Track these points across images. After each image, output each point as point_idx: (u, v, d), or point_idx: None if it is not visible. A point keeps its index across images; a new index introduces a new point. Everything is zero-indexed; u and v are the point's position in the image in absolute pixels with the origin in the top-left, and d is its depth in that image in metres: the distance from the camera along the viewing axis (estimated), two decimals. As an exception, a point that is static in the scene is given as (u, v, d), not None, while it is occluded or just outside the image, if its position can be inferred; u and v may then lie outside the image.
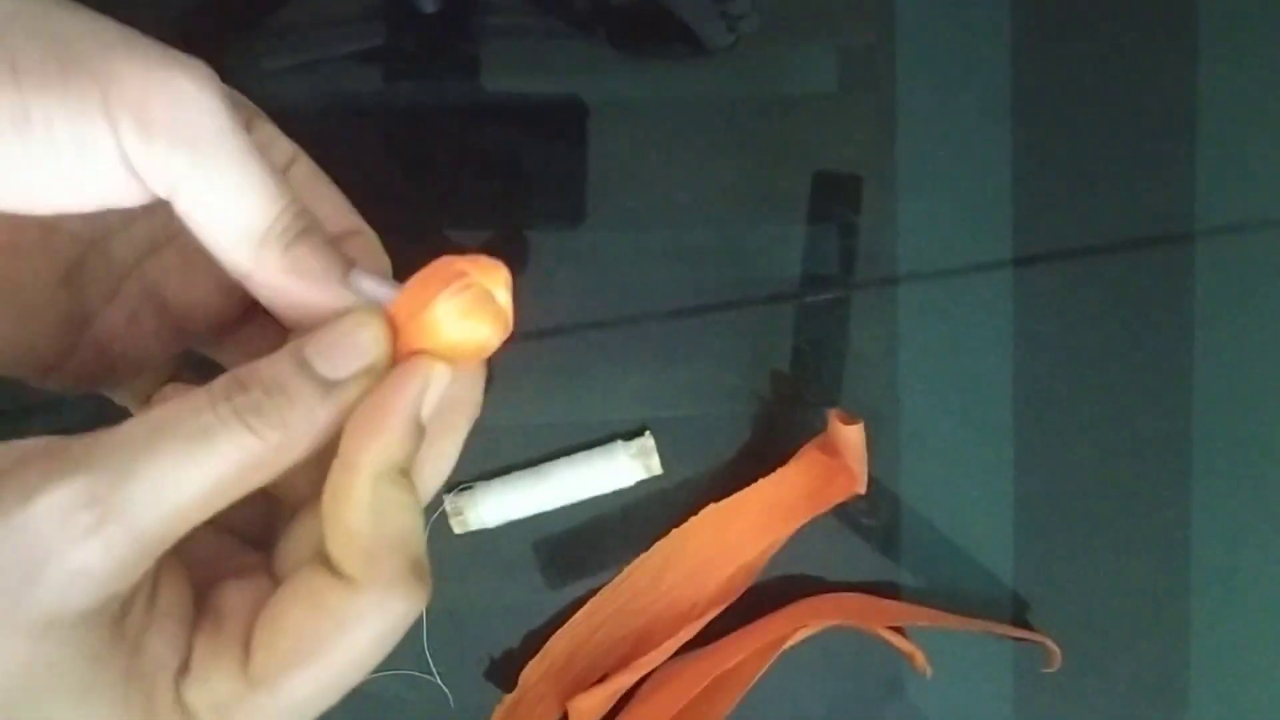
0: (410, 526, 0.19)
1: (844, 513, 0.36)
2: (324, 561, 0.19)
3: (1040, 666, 0.36)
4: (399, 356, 0.21)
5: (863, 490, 0.34)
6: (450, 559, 0.35)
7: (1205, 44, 0.36)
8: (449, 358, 0.21)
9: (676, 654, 0.35)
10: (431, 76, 0.35)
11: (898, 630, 0.35)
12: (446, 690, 0.35)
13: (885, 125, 0.36)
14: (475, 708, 0.35)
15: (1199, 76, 0.36)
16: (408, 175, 0.35)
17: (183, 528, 0.18)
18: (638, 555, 0.35)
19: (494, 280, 0.21)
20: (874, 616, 0.35)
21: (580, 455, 0.35)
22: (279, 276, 0.20)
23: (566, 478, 0.35)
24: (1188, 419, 0.36)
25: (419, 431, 0.20)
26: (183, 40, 0.35)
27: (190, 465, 0.17)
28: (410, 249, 0.35)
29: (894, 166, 0.36)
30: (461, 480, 0.35)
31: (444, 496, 0.34)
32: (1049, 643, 0.35)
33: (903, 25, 0.36)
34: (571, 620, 0.35)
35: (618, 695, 0.35)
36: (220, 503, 0.18)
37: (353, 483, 0.19)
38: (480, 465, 0.35)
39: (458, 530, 0.35)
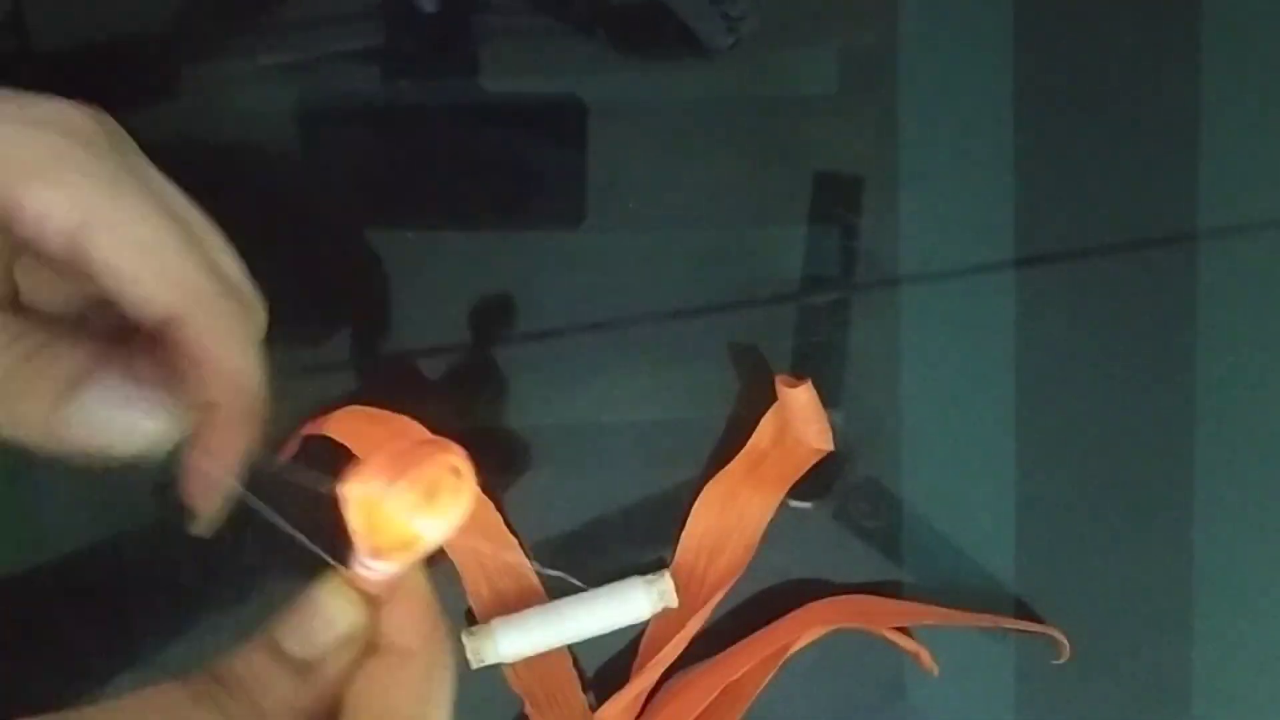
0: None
1: (845, 515, 0.36)
2: None
3: (1045, 665, 0.36)
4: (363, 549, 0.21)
5: (829, 447, 0.34)
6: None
7: (1209, 44, 0.36)
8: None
9: (683, 666, 0.34)
10: (431, 76, 0.35)
11: (901, 630, 0.35)
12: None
13: (887, 126, 0.36)
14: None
15: (1203, 77, 0.36)
16: (406, 175, 0.35)
17: None
18: (638, 558, 0.35)
19: (458, 460, 0.21)
20: (878, 618, 0.35)
21: (597, 593, 0.34)
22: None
23: (582, 617, 0.34)
24: (1191, 419, 0.36)
25: None
26: (179, 38, 0.35)
27: None
28: (408, 249, 0.35)
29: (895, 167, 0.36)
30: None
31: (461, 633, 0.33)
32: (1057, 634, 0.35)
33: (904, 26, 0.36)
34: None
35: (641, 698, 0.34)
36: None
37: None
38: (477, 467, 0.35)
39: (474, 666, 0.34)
